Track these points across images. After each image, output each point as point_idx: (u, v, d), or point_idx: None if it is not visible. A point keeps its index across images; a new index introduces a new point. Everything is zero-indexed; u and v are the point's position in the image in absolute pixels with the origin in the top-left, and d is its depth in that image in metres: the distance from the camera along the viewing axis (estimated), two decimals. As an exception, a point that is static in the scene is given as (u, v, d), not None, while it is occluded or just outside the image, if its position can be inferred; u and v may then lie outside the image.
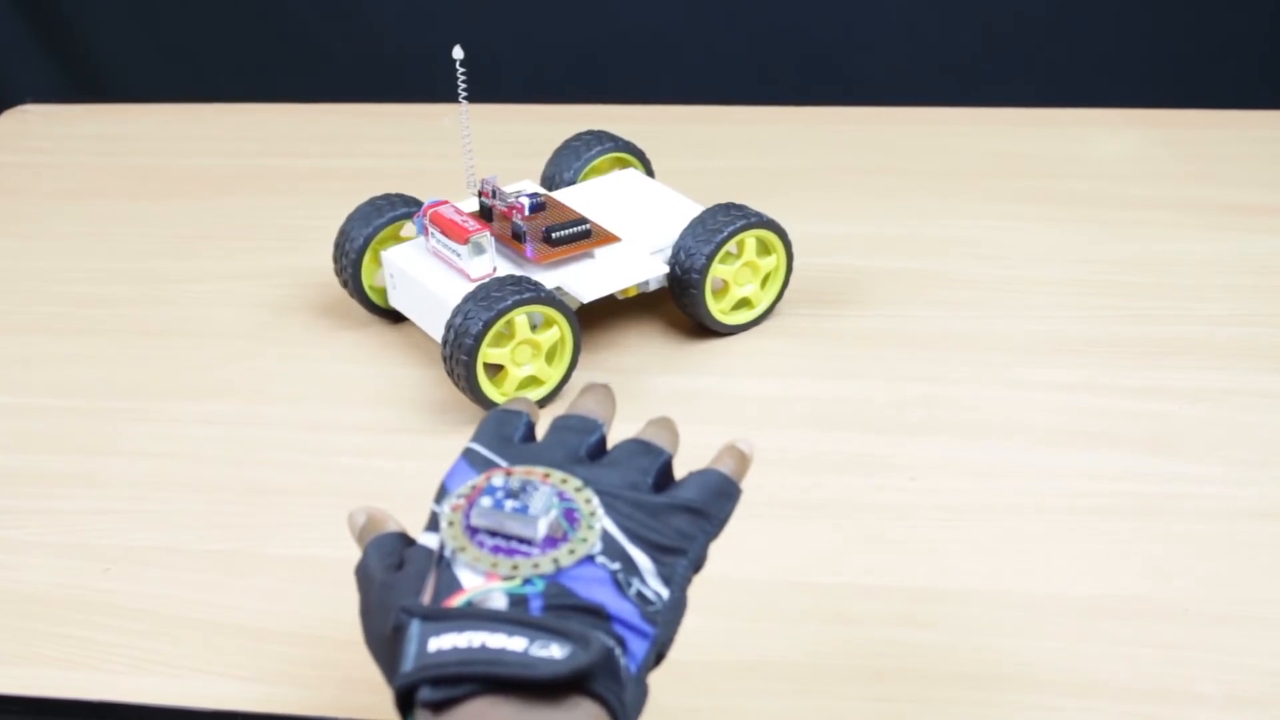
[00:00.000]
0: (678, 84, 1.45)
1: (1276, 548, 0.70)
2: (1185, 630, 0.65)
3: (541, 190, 0.91)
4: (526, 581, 0.44)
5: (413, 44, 1.56)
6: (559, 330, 0.80)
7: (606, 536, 0.46)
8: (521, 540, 0.45)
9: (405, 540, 0.49)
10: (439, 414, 0.82)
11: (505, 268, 0.83)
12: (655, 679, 0.64)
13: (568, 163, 0.95)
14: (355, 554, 0.71)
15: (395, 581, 0.46)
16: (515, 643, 0.41)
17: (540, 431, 0.52)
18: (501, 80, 1.55)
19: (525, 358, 0.80)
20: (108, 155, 1.14)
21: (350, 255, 0.88)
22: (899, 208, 1.01)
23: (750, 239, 0.85)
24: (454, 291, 0.81)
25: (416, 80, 1.54)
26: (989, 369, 0.84)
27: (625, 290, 0.85)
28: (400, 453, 0.79)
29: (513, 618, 0.42)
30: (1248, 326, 0.86)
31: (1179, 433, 0.78)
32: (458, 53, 0.81)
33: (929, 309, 0.89)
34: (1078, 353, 0.85)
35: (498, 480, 0.47)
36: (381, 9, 1.53)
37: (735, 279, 0.86)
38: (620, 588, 0.45)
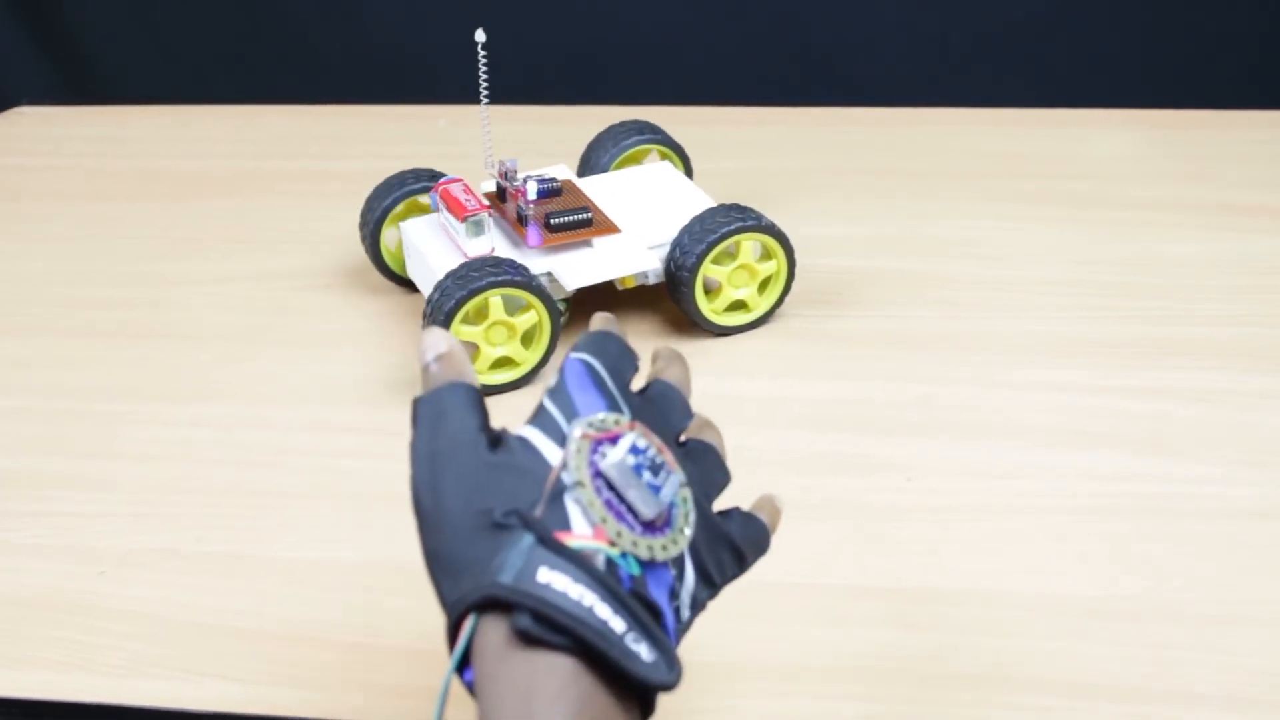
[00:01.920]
0: (676, 85, 1.44)
1: (1274, 548, 0.70)
2: (1182, 630, 0.65)
3: (568, 176, 0.92)
4: (623, 555, 0.43)
5: (409, 45, 1.56)
6: (536, 315, 0.81)
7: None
8: (630, 510, 0.44)
9: (482, 400, 0.46)
10: (436, 415, 0.82)
11: (504, 248, 0.84)
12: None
13: (603, 149, 0.96)
14: (350, 558, 0.72)
15: (505, 465, 0.44)
16: (617, 623, 0.40)
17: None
18: (499, 80, 1.54)
19: (500, 339, 0.82)
20: (103, 157, 1.14)
21: (370, 225, 0.90)
22: (897, 208, 1.01)
23: (748, 242, 0.85)
24: (449, 267, 0.82)
25: (413, 81, 1.54)
26: (987, 369, 0.83)
27: (623, 281, 0.85)
28: (398, 454, 0.78)
29: (618, 594, 0.41)
30: (1246, 326, 0.86)
31: (1177, 433, 0.78)
32: (480, 36, 0.82)
33: (927, 309, 0.89)
34: (1076, 353, 0.85)
35: (641, 443, 0.45)
36: (378, 10, 1.53)
37: (730, 280, 0.86)
38: (671, 597, 0.44)
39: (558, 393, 0.47)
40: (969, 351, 0.85)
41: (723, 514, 0.50)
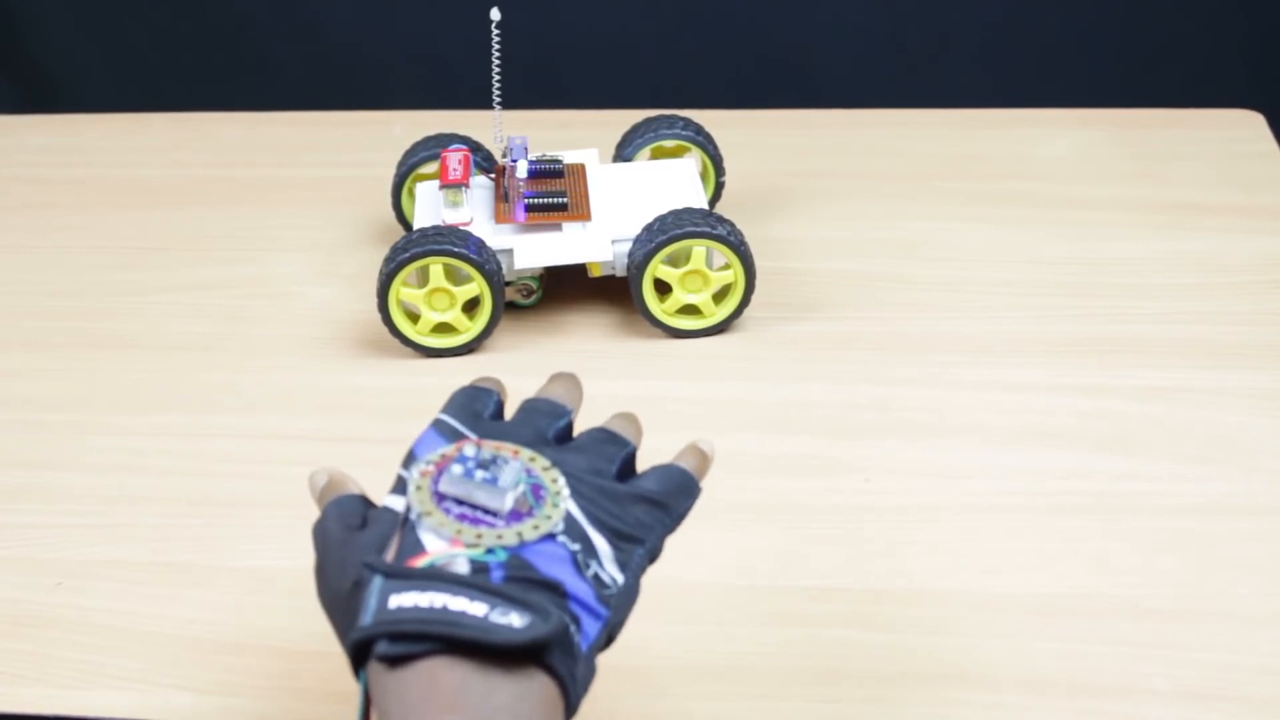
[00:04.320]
0: (633, 89, 1.45)
1: (1224, 543, 0.71)
2: (1136, 626, 0.66)
3: (582, 161, 0.93)
4: (489, 551, 0.45)
5: (364, 52, 1.56)
6: (478, 287, 0.84)
7: (569, 518, 0.47)
8: (487, 511, 0.46)
9: (365, 503, 0.50)
10: (392, 422, 0.81)
11: (481, 220, 0.88)
12: (611, 685, 0.64)
13: (632, 139, 0.97)
14: (307, 566, 0.71)
15: (357, 539, 0.47)
16: (476, 607, 0.42)
17: (509, 411, 0.54)
18: (457, 88, 1.54)
19: (442, 305, 0.85)
20: (54, 167, 1.13)
21: (395, 180, 0.96)
22: (853, 210, 1.01)
23: (699, 248, 0.85)
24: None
25: (368, 88, 1.54)
26: (941, 370, 0.84)
27: (591, 268, 0.87)
28: (353, 461, 0.77)
29: (475, 583, 0.43)
30: (1196, 324, 0.87)
31: (1129, 431, 0.78)
32: (495, 14, 0.85)
33: (882, 311, 0.90)
34: (1031, 352, 0.85)
35: (469, 450, 0.48)
36: (332, 19, 1.53)
37: (682, 284, 0.86)
38: (578, 568, 0.46)
39: (407, 459, 0.50)
40: (926, 352, 0.86)
41: (638, 476, 0.51)
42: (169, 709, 0.63)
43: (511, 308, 0.89)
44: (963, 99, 1.17)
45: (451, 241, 0.83)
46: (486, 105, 1.03)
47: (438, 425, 0.51)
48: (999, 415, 0.80)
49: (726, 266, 0.86)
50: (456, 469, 0.47)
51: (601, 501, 0.48)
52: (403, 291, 0.84)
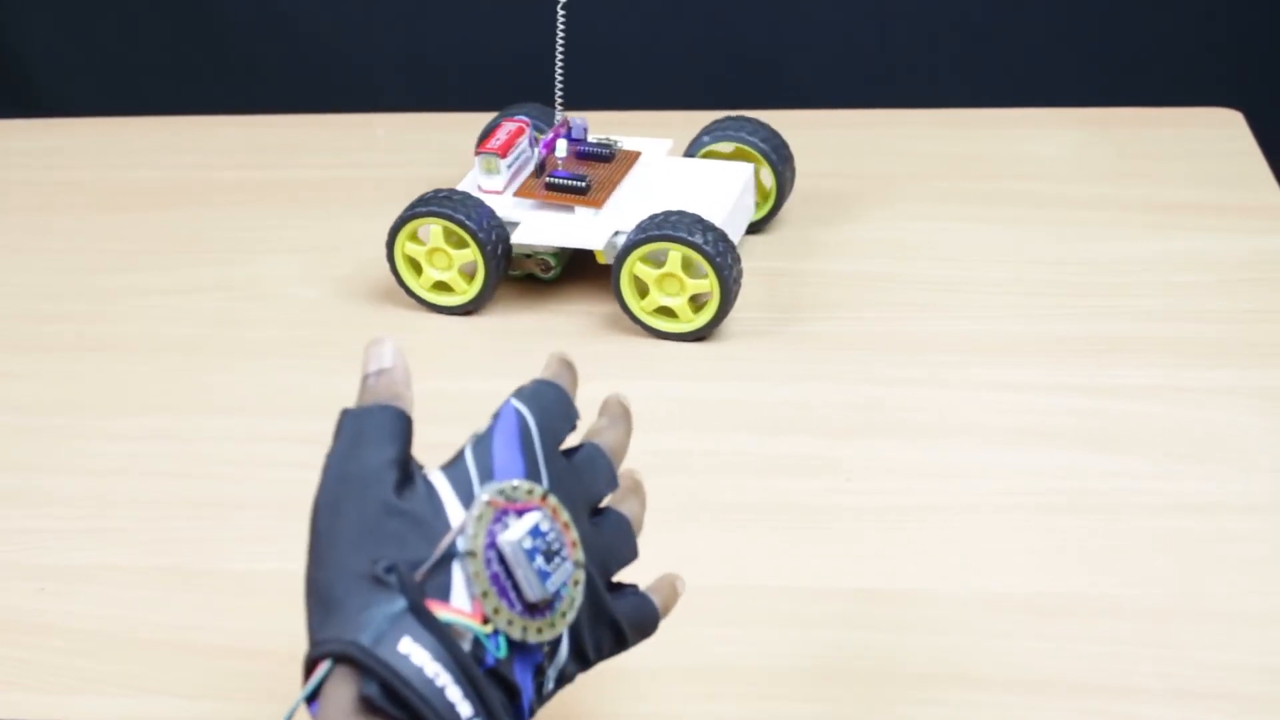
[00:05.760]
0: (619, 91, 1.44)
1: (1215, 542, 0.71)
2: (1127, 625, 0.66)
3: (639, 149, 0.93)
4: (494, 634, 0.43)
5: (354, 56, 1.55)
6: (473, 254, 0.86)
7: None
8: (515, 587, 0.44)
9: (408, 432, 0.46)
10: (386, 424, 0.81)
11: (511, 190, 0.89)
12: (607, 686, 0.64)
13: (700, 136, 0.97)
14: (299, 569, 0.71)
15: (404, 513, 0.44)
16: (465, 707, 0.41)
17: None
18: (447, 89, 1.54)
19: (441, 265, 0.88)
20: (43, 170, 1.12)
21: (474, 149, 0.95)
22: (844, 211, 1.01)
23: (675, 253, 0.84)
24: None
25: (359, 91, 1.53)
26: (933, 370, 0.84)
27: (598, 255, 0.88)
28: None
29: (471, 673, 0.41)
30: (1186, 323, 0.87)
31: (1120, 430, 0.78)
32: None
33: (873, 311, 0.89)
34: (1028, 352, 0.85)
35: (545, 526, 0.45)
36: (321, 21, 1.52)
37: (659, 285, 0.85)
38: (536, 673, 0.45)
39: (480, 445, 0.47)
40: (924, 352, 0.85)
41: (617, 590, 0.50)
42: (159, 714, 0.63)
43: (531, 279, 0.90)
44: (951, 99, 1.17)
45: (454, 207, 0.85)
46: (485, 106, 1.03)
47: (523, 430, 0.47)
48: (997, 415, 0.80)
49: (702, 276, 0.85)
50: (527, 542, 0.44)
51: (586, 616, 0.46)
52: (407, 246, 0.88)
